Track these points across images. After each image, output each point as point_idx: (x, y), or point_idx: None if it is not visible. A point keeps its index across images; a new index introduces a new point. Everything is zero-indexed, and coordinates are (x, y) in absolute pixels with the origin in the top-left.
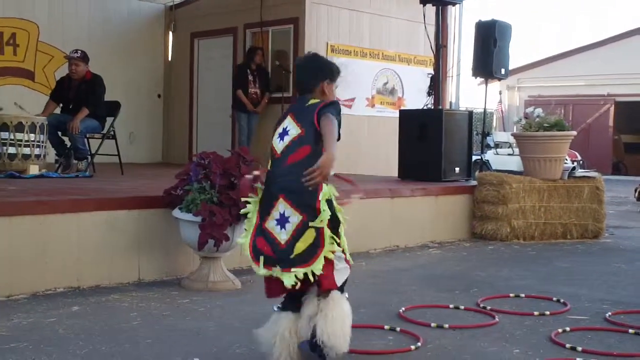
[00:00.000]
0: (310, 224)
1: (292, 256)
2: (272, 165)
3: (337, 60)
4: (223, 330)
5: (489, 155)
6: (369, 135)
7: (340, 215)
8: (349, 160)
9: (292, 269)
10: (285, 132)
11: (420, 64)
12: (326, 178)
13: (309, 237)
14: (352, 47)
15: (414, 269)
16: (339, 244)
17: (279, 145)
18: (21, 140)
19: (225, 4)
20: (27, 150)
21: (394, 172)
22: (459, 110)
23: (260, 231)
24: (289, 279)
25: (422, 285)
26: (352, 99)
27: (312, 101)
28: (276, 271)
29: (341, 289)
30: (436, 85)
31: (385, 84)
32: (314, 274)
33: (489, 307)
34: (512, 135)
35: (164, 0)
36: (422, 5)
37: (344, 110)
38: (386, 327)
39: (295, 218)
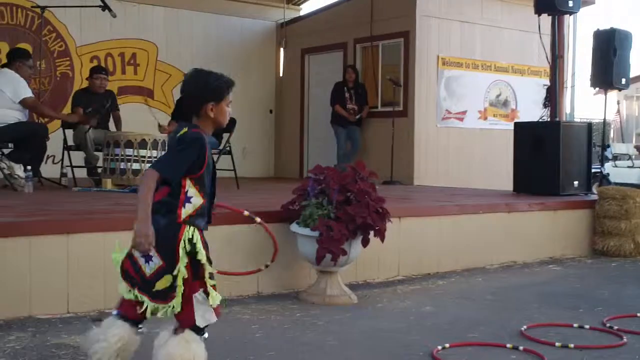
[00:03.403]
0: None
1: (153, 290)
2: None
3: (448, 73)
4: (343, 344)
5: (607, 167)
6: (482, 148)
7: (202, 258)
8: (462, 174)
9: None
10: None
11: (534, 74)
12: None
13: (166, 281)
14: (464, 59)
15: (533, 285)
16: (205, 284)
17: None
18: (144, 157)
19: (335, 19)
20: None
21: (508, 186)
22: (577, 122)
23: (129, 255)
24: (159, 309)
25: (543, 303)
26: (464, 112)
27: (182, 131)
28: (145, 298)
29: (200, 330)
30: (553, 97)
31: (498, 95)
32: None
33: (615, 327)
34: (635, 147)
35: (276, 18)
36: (537, 15)
37: (455, 123)
38: (508, 345)
39: (157, 260)
